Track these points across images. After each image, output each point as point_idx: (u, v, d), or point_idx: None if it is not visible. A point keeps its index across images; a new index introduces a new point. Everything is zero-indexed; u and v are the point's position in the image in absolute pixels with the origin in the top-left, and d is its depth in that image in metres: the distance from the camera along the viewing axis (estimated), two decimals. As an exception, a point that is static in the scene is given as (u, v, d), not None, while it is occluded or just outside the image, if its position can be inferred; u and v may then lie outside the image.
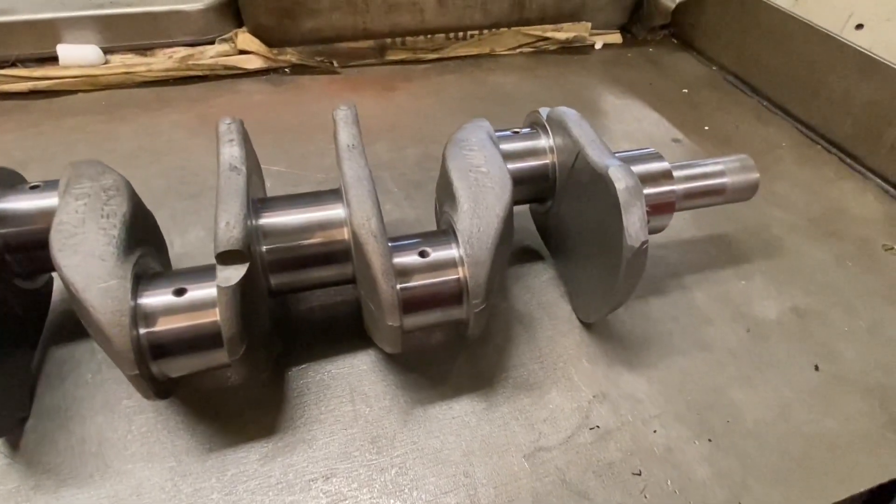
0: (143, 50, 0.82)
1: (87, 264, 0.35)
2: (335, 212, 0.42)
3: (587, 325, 0.51)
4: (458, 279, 0.40)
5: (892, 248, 0.61)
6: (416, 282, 0.39)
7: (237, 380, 0.41)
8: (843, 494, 0.41)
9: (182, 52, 0.81)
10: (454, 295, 0.40)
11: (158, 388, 0.38)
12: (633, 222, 0.40)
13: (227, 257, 0.36)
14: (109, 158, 0.66)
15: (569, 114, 0.49)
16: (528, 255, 0.58)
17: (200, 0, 0.83)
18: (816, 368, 0.49)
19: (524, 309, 0.52)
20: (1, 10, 0.77)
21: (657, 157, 0.49)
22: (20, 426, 0.42)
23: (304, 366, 0.47)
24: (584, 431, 0.44)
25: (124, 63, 0.79)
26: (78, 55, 0.78)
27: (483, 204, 0.42)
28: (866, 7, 0.91)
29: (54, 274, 0.50)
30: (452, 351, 0.49)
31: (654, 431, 0.44)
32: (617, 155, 0.48)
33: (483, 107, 0.81)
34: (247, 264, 0.36)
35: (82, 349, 0.47)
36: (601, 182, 0.42)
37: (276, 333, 0.45)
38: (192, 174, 0.66)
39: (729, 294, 0.55)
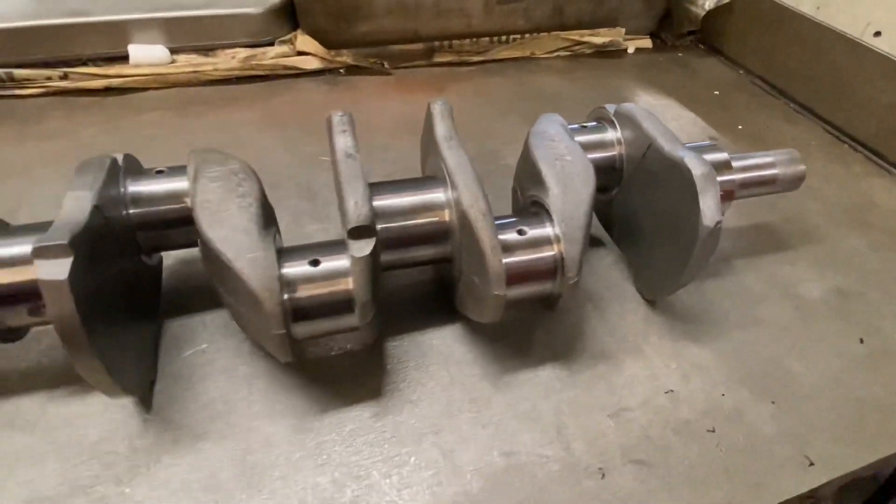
0: (205, 50, 0.87)
1: (234, 237, 0.40)
2: (438, 195, 0.47)
3: (651, 304, 0.56)
4: (554, 255, 0.45)
5: (921, 237, 0.66)
6: (517, 257, 0.44)
7: (364, 343, 0.45)
8: (893, 449, 0.46)
9: (244, 52, 0.86)
10: (550, 270, 0.45)
11: (294, 350, 0.42)
12: (709, 205, 0.45)
13: (358, 232, 0.41)
14: (187, 151, 0.71)
15: (638, 109, 0.53)
16: (589, 242, 0.62)
17: (260, 4, 0.87)
18: (861, 342, 0.54)
19: (592, 289, 0.57)
20: (76, 11, 0.81)
21: (717, 148, 0.54)
22: (150, 389, 0.46)
23: (399, 337, 0.51)
24: (660, 395, 0.48)
25: (190, 62, 0.84)
26: (147, 55, 0.83)
27: (572, 188, 0.46)
28: (884, 15, 0.97)
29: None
30: (531, 327, 0.53)
31: (722, 395, 0.49)
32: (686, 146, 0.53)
33: (529, 106, 0.85)
34: (374, 238, 0.41)
35: (194, 322, 0.51)
36: (676, 170, 0.47)
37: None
38: (269, 166, 0.69)
39: (776, 276, 0.60)
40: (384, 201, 0.46)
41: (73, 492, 0.40)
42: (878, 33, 0.97)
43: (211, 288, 0.52)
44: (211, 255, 0.40)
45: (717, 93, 0.92)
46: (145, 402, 0.45)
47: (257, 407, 0.46)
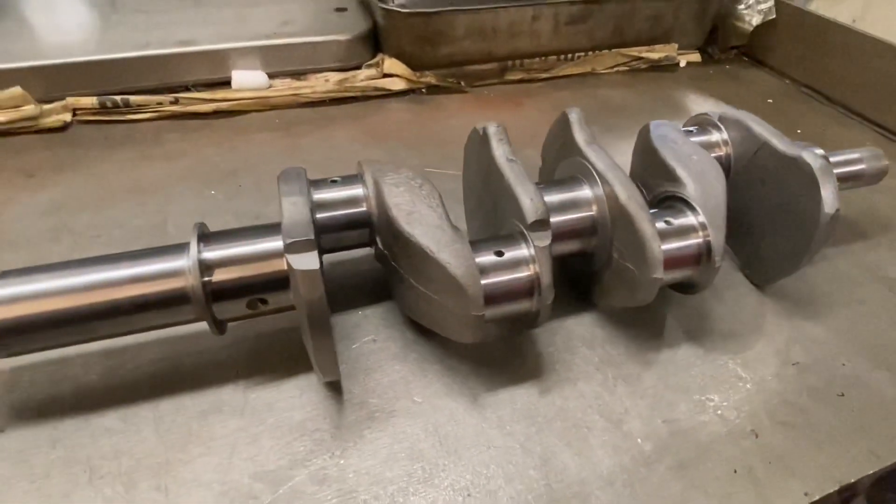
0: (297, 75, 0.93)
1: (433, 233, 0.45)
2: (585, 192, 0.53)
3: (760, 289, 0.62)
4: (699, 243, 0.50)
5: (985, 224, 0.73)
6: (670, 244, 0.50)
7: (540, 324, 0.49)
8: None
9: (336, 76, 0.92)
10: (698, 255, 0.50)
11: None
12: (829, 193, 0.51)
13: (538, 225, 0.46)
14: (305, 165, 0.77)
15: (745, 114, 0.60)
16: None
17: (348, 31, 0.94)
18: (954, 316, 0.60)
19: (704, 277, 0.63)
20: (183, 42, 0.88)
21: (813, 146, 0.61)
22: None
23: (543, 325, 0.56)
24: (788, 366, 0.54)
25: (288, 86, 0.90)
26: (249, 80, 0.89)
27: (708, 183, 0.52)
28: (916, 26, 1.05)
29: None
30: (659, 313, 0.58)
31: (843, 365, 0.54)
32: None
33: (602, 117, 0.92)
34: (550, 229, 0.46)
35: (356, 318, 0.57)
36: (794, 165, 0.53)
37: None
38: None
39: (865, 262, 0.66)
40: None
41: (293, 465, 0.45)
42: (911, 42, 1.05)
43: (365, 287, 0.59)
44: (410, 250, 0.46)
45: (770, 101, 1.00)
46: (336, 386, 0.50)
47: (435, 386, 0.51)
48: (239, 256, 0.45)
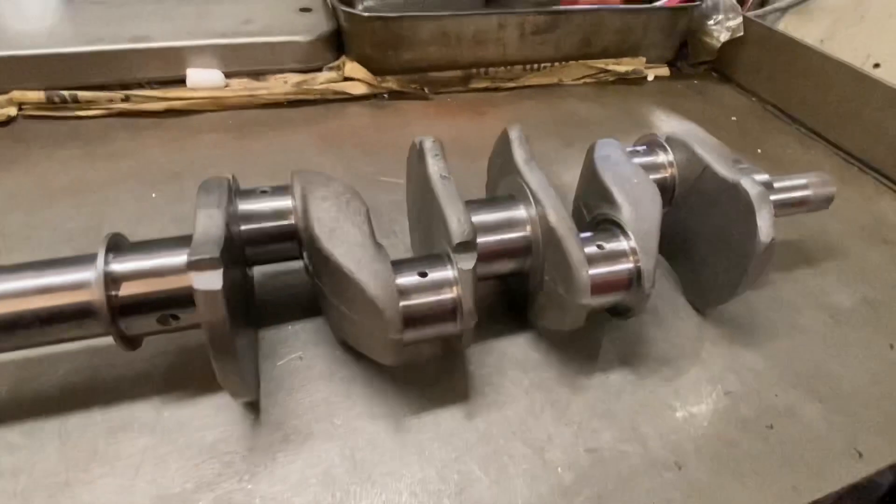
0: (256, 75, 0.91)
1: (353, 252, 0.44)
2: (520, 212, 0.52)
3: (701, 314, 0.61)
4: (630, 268, 0.50)
5: (933, 253, 0.73)
6: (600, 269, 0.49)
7: (464, 347, 0.48)
8: (931, 443, 0.51)
9: (295, 77, 0.90)
10: (628, 280, 0.50)
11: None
12: (765, 221, 0.50)
13: (463, 246, 0.45)
14: (252, 172, 0.76)
15: (692, 136, 0.59)
16: (637, 256, 0.68)
17: (307, 32, 0.92)
18: (892, 347, 0.60)
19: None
20: (138, 37, 0.85)
21: (759, 171, 0.60)
22: (259, 392, 0.50)
23: (477, 344, 0.55)
24: (721, 396, 0.53)
25: (245, 86, 0.88)
26: (204, 78, 0.87)
27: (643, 207, 0.51)
28: (883, 48, 1.05)
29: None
30: (592, 334, 0.58)
31: (776, 396, 0.53)
32: (732, 170, 0.58)
33: (565, 130, 0.91)
34: (476, 253, 0.45)
35: (285, 333, 0.55)
36: (733, 191, 0.53)
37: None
38: None
39: (809, 288, 0.66)
40: (475, 218, 0.51)
41: (199, 488, 0.43)
42: (877, 65, 1.05)
43: (299, 300, 0.57)
44: (330, 269, 0.44)
45: (734, 118, 0.99)
46: (254, 405, 0.49)
47: (358, 408, 0.49)
48: (148, 270, 0.43)
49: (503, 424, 0.49)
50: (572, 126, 0.92)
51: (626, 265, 0.50)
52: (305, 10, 0.99)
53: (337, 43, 0.95)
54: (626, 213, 0.51)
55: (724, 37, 1.04)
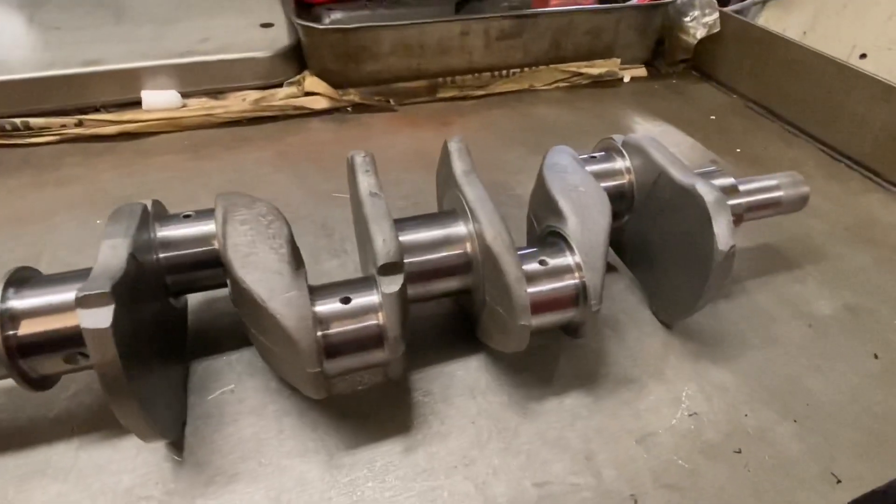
0: (215, 93, 0.89)
1: (267, 279, 0.41)
2: (459, 229, 0.48)
3: (668, 327, 0.57)
4: (576, 283, 0.46)
5: (923, 252, 0.68)
6: (541, 286, 0.45)
7: (393, 376, 0.45)
8: (917, 464, 0.47)
9: (254, 94, 0.88)
10: (573, 297, 0.46)
11: (328, 387, 0.43)
12: (723, 229, 0.46)
13: (387, 269, 0.42)
14: (203, 193, 0.73)
15: (646, 139, 0.55)
16: (602, 267, 0.64)
17: (267, 48, 0.90)
18: (875, 357, 0.55)
19: (609, 314, 0.58)
20: (89, 61, 0.84)
21: (723, 173, 0.56)
22: (182, 430, 0.46)
23: (424, 369, 0.52)
24: (685, 418, 0.49)
25: (202, 105, 0.86)
26: (160, 100, 0.85)
27: (589, 218, 0.48)
28: (868, 38, 1.01)
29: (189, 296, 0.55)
30: (553, 354, 0.54)
31: (745, 416, 0.49)
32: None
33: (533, 137, 0.88)
34: (403, 273, 0.42)
35: (220, 363, 0.52)
36: (688, 196, 0.49)
37: (406, 339, 0.50)
38: (284, 205, 0.69)
39: (787, 295, 0.62)
40: (408, 237, 0.47)
41: (110, 539, 0.40)
42: (863, 55, 1.01)
43: (235, 328, 0.54)
44: (244, 297, 0.41)
45: (713, 117, 0.95)
46: (177, 444, 0.46)
47: (289, 445, 0.46)
48: (48, 306, 0.40)
49: (445, 458, 0.45)
50: (541, 133, 0.89)
51: (570, 281, 0.46)
52: (267, 25, 0.97)
53: (298, 58, 0.93)
54: (571, 225, 0.48)
55: (700, 33, 1.00)
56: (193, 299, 0.57)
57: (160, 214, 0.50)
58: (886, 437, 0.48)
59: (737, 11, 1.02)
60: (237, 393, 0.50)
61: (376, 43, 0.87)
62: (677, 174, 0.51)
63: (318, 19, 1.07)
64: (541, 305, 0.45)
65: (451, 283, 0.49)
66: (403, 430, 0.47)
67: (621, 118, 0.94)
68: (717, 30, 1.00)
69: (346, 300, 0.42)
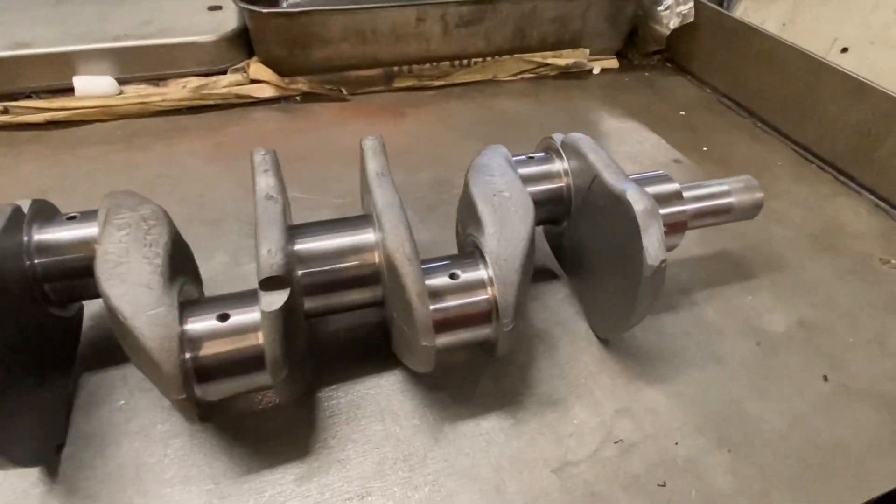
0: (156, 80, 0.84)
1: (134, 293, 0.37)
2: (366, 237, 0.44)
3: (604, 342, 0.53)
4: (488, 299, 0.42)
5: (889, 262, 0.64)
6: (448, 303, 0.41)
7: (279, 401, 0.42)
8: (858, 500, 0.43)
9: (195, 81, 0.83)
10: (484, 315, 0.42)
11: (202, 412, 0.39)
12: (652, 242, 0.42)
13: (270, 283, 0.38)
14: (129, 187, 0.68)
15: (583, 139, 0.51)
16: (543, 275, 0.60)
17: (213, 32, 0.85)
18: (826, 379, 0.51)
19: (543, 327, 0.54)
20: (20, 43, 0.79)
21: (667, 178, 0.52)
22: (57, 454, 0.43)
23: (334, 387, 0.48)
24: (609, 445, 0.45)
25: (139, 93, 0.81)
26: (93, 86, 0.80)
27: (508, 227, 0.44)
28: (850, 31, 0.96)
29: (85, 303, 0.51)
30: (477, 370, 0.50)
31: (676, 443, 0.45)
32: (630, 178, 0.50)
33: (490, 131, 0.83)
34: (288, 289, 0.38)
35: (113, 376, 0.48)
36: (619, 204, 0.45)
37: (309, 355, 0.46)
38: (212, 201, 0.67)
39: (737, 309, 0.57)
40: (307, 244, 0.43)
41: (-41, 576, 0.36)
42: (845, 49, 0.96)
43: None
44: (111, 312, 0.37)
45: (682, 113, 0.90)
46: (51, 469, 0.42)
47: (172, 471, 0.42)
48: None
49: (341, 488, 0.42)
50: (500, 126, 0.84)
51: (482, 297, 0.42)
52: (215, 8, 0.92)
53: (246, 43, 0.88)
54: (487, 235, 0.43)
55: (673, 23, 0.95)
56: (96, 304, 0.53)
57: (45, 215, 0.46)
58: (827, 469, 0.44)
59: (713, 1, 0.96)
60: (126, 410, 0.46)
61: (324, 28, 0.82)
62: (610, 179, 0.46)
63: (274, 2, 1.02)
64: (447, 323, 0.41)
65: (358, 296, 0.45)
66: (300, 456, 0.43)
67: (586, 112, 0.90)
68: (690, 20, 0.94)
69: (224, 317, 0.38)
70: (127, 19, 0.87)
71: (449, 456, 0.44)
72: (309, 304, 0.44)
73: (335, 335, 0.52)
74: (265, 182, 0.44)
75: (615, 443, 0.45)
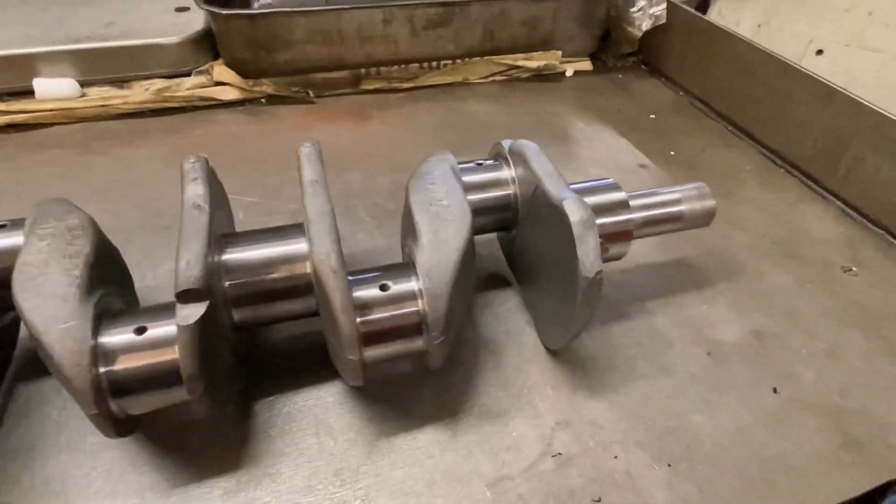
0: (120, 82, 0.83)
1: (48, 305, 0.36)
2: (298, 246, 0.43)
3: (552, 352, 0.52)
4: (418, 312, 0.41)
5: (851, 270, 0.63)
6: (376, 315, 0.40)
7: (199, 415, 0.41)
8: (799, 517, 0.42)
9: (158, 84, 0.82)
10: (414, 328, 0.41)
11: (120, 426, 0.38)
12: (587, 253, 0.41)
13: (186, 296, 0.37)
14: (83, 192, 0.68)
15: (529, 146, 0.50)
16: (496, 282, 0.59)
17: (178, 33, 0.84)
18: (775, 391, 0.50)
19: (491, 336, 0.53)
20: (-22, 45, 0.78)
21: (614, 187, 0.51)
22: (-17, 466, 0.42)
23: (271, 398, 0.47)
24: (547, 459, 0.44)
25: (101, 96, 0.80)
26: (54, 89, 0.79)
27: (443, 237, 0.43)
28: (825, 34, 0.95)
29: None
30: (419, 381, 0.49)
31: (615, 457, 0.45)
32: (575, 186, 0.50)
33: (456, 135, 0.82)
34: (206, 303, 0.37)
35: (48, 386, 0.47)
36: (557, 214, 0.44)
37: (240, 367, 0.45)
38: (166, 206, 0.66)
39: (691, 318, 0.57)
40: (236, 254, 0.42)
41: None
42: (820, 51, 0.95)
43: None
44: (27, 325, 0.36)
45: (653, 116, 0.89)
46: (-28, 483, 0.41)
47: (98, 485, 0.41)
48: None
49: (268, 502, 0.41)
50: (466, 130, 0.83)
51: (411, 309, 0.41)
52: (182, 9, 0.91)
53: (211, 45, 0.87)
54: (421, 245, 0.42)
55: (646, 25, 0.94)
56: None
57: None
58: (768, 485, 0.43)
59: (687, 3, 0.95)
60: (58, 422, 0.45)
61: (288, 30, 0.81)
62: (550, 188, 0.45)
63: (246, 3, 1.01)
64: (375, 336, 0.40)
65: (290, 307, 0.44)
66: (230, 470, 0.43)
67: (555, 115, 0.89)
68: (663, 21, 0.93)
69: (141, 330, 0.37)
70: (90, 21, 0.86)
71: (381, 470, 0.43)
72: (238, 315, 0.43)
73: (277, 345, 0.51)
74: (193, 191, 0.43)
75: (553, 456, 0.44)
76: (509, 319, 0.55)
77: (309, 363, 0.50)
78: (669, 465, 0.44)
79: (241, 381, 0.47)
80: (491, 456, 0.44)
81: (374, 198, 0.69)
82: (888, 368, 0.53)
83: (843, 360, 0.53)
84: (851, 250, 0.66)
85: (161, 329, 0.38)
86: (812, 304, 0.59)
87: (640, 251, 0.63)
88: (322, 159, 0.47)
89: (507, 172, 0.53)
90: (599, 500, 0.42)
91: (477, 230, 0.53)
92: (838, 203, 0.73)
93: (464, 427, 0.46)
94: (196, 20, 0.88)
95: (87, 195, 0.68)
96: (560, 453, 0.45)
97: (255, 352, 0.50)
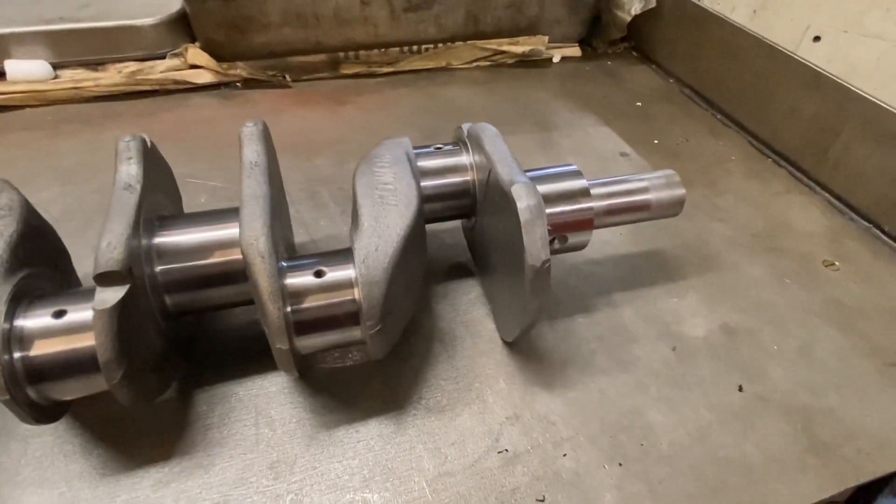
0: (93, 65, 0.82)
1: (-39, 287, 0.35)
2: (233, 231, 0.42)
3: (510, 345, 0.50)
4: (354, 300, 0.39)
5: (833, 264, 0.60)
6: (308, 303, 0.39)
7: (125, 403, 0.39)
8: (754, 522, 0.40)
9: (132, 66, 0.81)
10: (349, 316, 0.39)
11: (42, 412, 0.37)
12: (534, 241, 0.39)
13: (106, 279, 0.35)
14: (47, 175, 0.67)
15: (486, 129, 0.48)
16: (458, 272, 0.57)
17: (152, 15, 0.83)
18: (740, 389, 0.48)
19: (447, 327, 0.51)
20: (-52, 26, 0.77)
21: (576, 174, 0.49)
22: (-88, 451, 0.41)
23: (211, 388, 0.46)
24: (492, 455, 0.42)
25: (73, 78, 0.79)
26: (26, 70, 0.78)
27: (384, 222, 0.41)
28: (823, 19, 0.91)
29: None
30: (368, 373, 0.48)
31: (564, 455, 0.43)
32: (533, 173, 0.47)
33: (433, 120, 0.80)
34: (126, 286, 0.35)
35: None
36: (506, 201, 0.42)
37: (176, 355, 0.44)
38: None
39: (659, 312, 0.54)
40: (169, 237, 0.41)
41: None
42: (817, 38, 0.91)
43: None
44: (-59, 307, 0.35)
45: (639, 104, 0.86)
46: None
47: (26, 472, 0.40)
48: None
49: (198, 496, 0.39)
50: (444, 115, 0.81)
51: (346, 297, 0.39)
52: (159, -9, 0.89)
53: (187, 27, 0.85)
54: (360, 230, 0.41)
55: (635, 9, 0.91)
56: None
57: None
58: (724, 488, 0.41)
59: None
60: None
61: (262, 12, 0.79)
62: (502, 173, 0.43)
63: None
64: (308, 325, 0.39)
65: (226, 293, 0.42)
66: (163, 459, 0.41)
67: (538, 102, 0.86)
68: (652, 5, 0.90)
69: (60, 314, 0.36)
70: (65, 2, 0.85)
71: (319, 463, 0.41)
72: (171, 301, 0.41)
73: (221, 333, 0.50)
74: (125, 170, 0.41)
75: (499, 453, 0.43)
76: (468, 311, 0.53)
77: (254, 352, 0.48)
78: (621, 465, 0.42)
79: (180, 370, 0.45)
80: (434, 451, 0.42)
81: (341, 184, 0.68)
82: (864, 368, 0.50)
83: (815, 359, 0.51)
84: (835, 244, 0.63)
85: (82, 313, 0.36)
86: (788, 300, 0.56)
87: (610, 241, 0.61)
88: (267, 139, 0.45)
89: (465, 158, 0.51)
90: (543, 500, 0.40)
91: (433, 217, 0.51)
92: (826, 195, 0.70)
93: (409, 420, 0.44)
94: (172, 2, 0.87)
95: (51, 178, 0.67)
96: (507, 450, 0.43)
97: (197, 340, 0.49)
